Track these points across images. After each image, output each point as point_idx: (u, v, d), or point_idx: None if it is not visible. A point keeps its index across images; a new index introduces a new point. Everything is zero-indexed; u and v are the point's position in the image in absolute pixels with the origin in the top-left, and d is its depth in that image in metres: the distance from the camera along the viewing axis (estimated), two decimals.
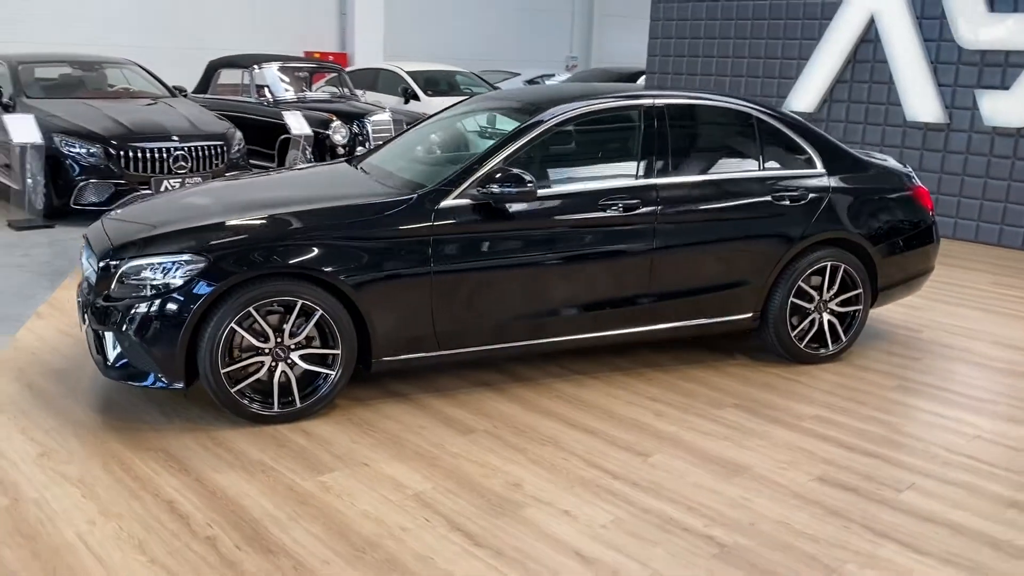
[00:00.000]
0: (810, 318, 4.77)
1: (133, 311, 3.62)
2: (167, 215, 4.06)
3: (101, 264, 3.76)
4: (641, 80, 11.78)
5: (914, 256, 5.07)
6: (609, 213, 4.26)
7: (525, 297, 4.17)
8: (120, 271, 3.69)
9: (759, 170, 4.71)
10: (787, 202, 4.64)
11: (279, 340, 3.74)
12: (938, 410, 4.27)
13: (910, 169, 5.29)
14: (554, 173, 4.40)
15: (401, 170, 4.51)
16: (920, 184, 5.17)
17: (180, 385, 3.68)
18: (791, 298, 4.68)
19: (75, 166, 7.65)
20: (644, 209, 4.32)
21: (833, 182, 4.80)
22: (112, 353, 3.73)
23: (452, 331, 4.06)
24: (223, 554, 2.83)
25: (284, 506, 3.14)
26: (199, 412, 3.90)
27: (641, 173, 4.41)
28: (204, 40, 13.43)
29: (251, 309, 3.65)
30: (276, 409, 3.79)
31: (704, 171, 4.65)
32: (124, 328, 3.63)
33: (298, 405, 3.82)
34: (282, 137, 9.39)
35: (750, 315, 4.69)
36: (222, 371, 3.65)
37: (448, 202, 4.00)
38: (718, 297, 4.58)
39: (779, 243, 4.61)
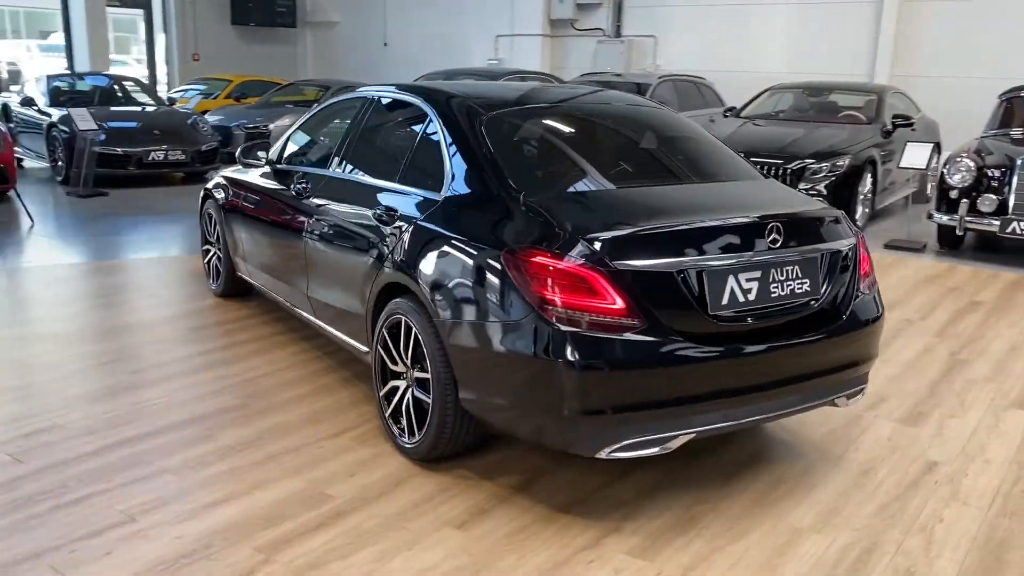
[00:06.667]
0: (391, 385, 3.62)
1: None
2: None
3: None
4: None
5: (504, 362, 2.98)
6: (289, 193, 4.56)
7: (259, 252, 4.97)
8: None
9: (390, 180, 3.86)
10: (385, 226, 3.68)
11: None
12: None
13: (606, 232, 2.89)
14: (313, 154, 4.80)
15: None
16: (546, 255, 2.87)
17: None
18: (378, 347, 3.68)
19: None
20: (304, 198, 4.41)
21: (432, 212, 3.46)
22: None
23: (251, 269, 5.23)
24: None
25: None
26: None
27: (334, 164, 4.37)
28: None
29: None
30: None
31: (361, 171, 4.17)
32: None
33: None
34: None
35: (366, 350, 3.91)
36: None
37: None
38: (344, 316, 4.08)
39: (365, 273, 3.78)
